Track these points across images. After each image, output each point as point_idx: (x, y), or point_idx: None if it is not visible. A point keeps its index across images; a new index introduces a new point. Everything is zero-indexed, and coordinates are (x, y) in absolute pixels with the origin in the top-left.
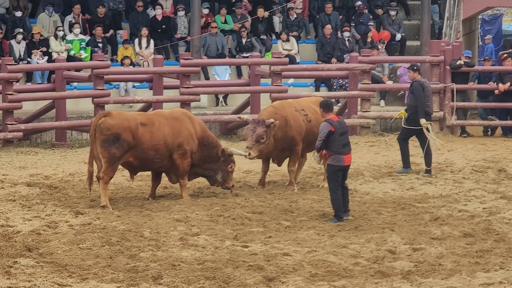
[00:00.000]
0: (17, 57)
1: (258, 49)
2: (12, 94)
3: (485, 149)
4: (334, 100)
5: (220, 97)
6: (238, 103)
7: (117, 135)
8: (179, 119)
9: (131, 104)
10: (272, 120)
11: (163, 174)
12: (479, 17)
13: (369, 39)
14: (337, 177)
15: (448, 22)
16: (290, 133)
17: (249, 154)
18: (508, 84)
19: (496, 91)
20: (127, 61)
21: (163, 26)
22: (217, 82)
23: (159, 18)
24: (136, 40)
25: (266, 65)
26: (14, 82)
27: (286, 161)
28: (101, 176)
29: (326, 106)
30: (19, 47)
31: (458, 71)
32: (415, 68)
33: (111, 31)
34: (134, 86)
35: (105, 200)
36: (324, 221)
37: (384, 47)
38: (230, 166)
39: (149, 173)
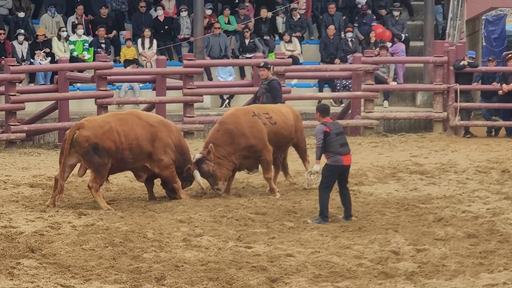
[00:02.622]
0: (20, 58)
1: (261, 50)
2: (15, 95)
3: (489, 150)
4: (337, 100)
5: (226, 98)
6: (241, 104)
7: (95, 145)
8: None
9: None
10: (198, 155)
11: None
12: (483, 17)
13: (372, 40)
14: (333, 177)
15: (451, 22)
16: (246, 142)
17: (219, 190)
18: None
19: (500, 92)
20: (133, 66)
21: (166, 27)
22: (220, 83)
23: (161, 18)
24: (139, 41)
25: None
26: (17, 83)
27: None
28: (90, 185)
29: (323, 110)
30: (21, 48)
31: (461, 72)
32: (269, 66)
33: (114, 32)
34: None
35: (105, 206)
36: (328, 222)
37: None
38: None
39: None
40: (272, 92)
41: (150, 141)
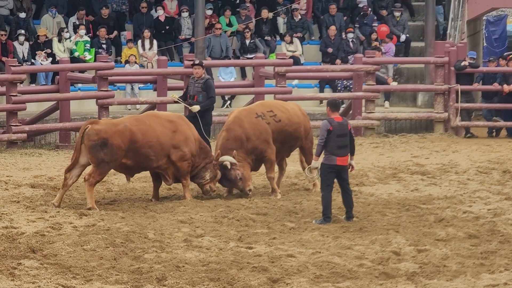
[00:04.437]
0: (21, 58)
1: (261, 50)
2: (16, 96)
3: (489, 150)
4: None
5: (227, 98)
6: (242, 104)
7: (105, 140)
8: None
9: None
10: (227, 162)
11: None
12: (484, 18)
13: (374, 42)
14: (329, 176)
15: (452, 23)
16: (252, 145)
17: (250, 190)
18: None
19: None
20: (132, 58)
21: (167, 27)
22: (222, 83)
23: (162, 19)
24: (140, 42)
25: (270, 66)
26: (18, 84)
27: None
28: (86, 178)
29: (333, 105)
30: (22, 48)
31: (462, 72)
32: (204, 65)
33: (115, 32)
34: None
35: (91, 202)
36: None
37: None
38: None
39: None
40: (208, 91)
41: (171, 136)
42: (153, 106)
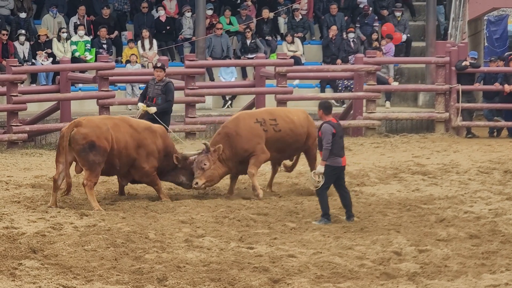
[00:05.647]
0: (21, 58)
1: (262, 50)
2: (16, 96)
3: (491, 150)
4: (339, 101)
5: (228, 98)
6: (243, 104)
7: (92, 143)
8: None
9: None
10: (206, 147)
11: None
12: (485, 18)
13: (374, 42)
14: (333, 178)
15: (453, 23)
16: (242, 146)
17: (196, 183)
18: None
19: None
20: (133, 57)
21: (168, 27)
22: (222, 83)
23: (163, 19)
24: (139, 42)
25: (271, 66)
26: (18, 84)
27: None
28: (84, 183)
29: (326, 108)
30: (22, 48)
31: (463, 72)
32: (165, 68)
33: (116, 32)
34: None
35: (96, 205)
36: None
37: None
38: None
39: None
40: (167, 94)
41: (135, 148)
42: None
